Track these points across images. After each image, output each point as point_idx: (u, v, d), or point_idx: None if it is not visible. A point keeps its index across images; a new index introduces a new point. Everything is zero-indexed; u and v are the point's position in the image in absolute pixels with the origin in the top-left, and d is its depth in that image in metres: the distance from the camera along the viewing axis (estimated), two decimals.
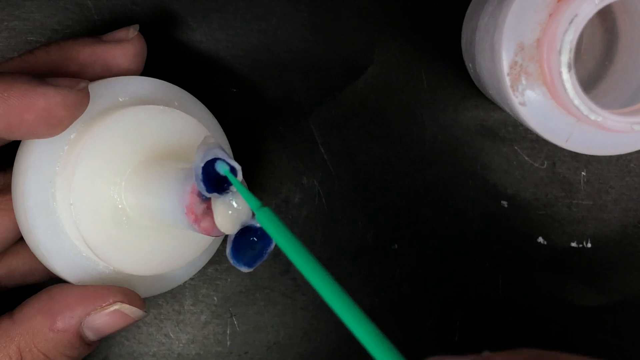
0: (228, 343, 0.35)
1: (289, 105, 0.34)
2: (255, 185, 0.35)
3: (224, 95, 0.34)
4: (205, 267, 0.34)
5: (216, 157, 0.24)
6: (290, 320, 0.35)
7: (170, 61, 0.34)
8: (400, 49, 0.34)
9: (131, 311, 0.28)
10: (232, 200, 0.25)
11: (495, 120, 0.35)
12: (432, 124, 0.35)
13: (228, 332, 0.35)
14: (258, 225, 0.25)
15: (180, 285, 0.35)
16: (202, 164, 0.24)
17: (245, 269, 0.25)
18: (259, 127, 0.34)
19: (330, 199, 0.35)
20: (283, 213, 0.35)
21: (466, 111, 0.35)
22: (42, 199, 0.28)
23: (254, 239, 0.25)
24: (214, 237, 0.30)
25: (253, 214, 0.25)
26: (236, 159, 0.33)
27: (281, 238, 0.22)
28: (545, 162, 0.35)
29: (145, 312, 0.29)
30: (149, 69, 0.31)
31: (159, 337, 0.35)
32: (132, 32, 0.30)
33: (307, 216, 0.35)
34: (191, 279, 0.34)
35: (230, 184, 0.24)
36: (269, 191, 0.35)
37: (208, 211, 0.25)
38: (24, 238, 0.29)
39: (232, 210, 0.25)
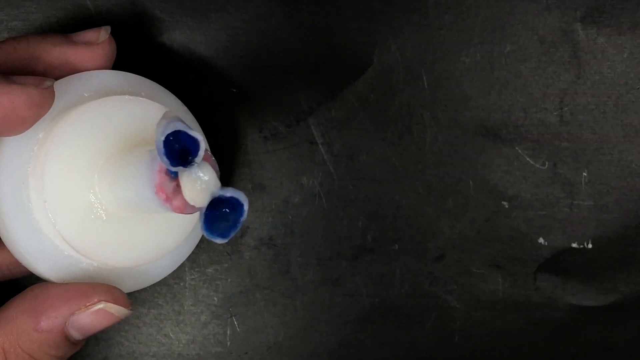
0: (228, 343, 0.35)
1: (289, 105, 0.34)
2: (255, 185, 0.35)
3: (224, 95, 0.34)
4: (205, 267, 0.34)
5: (176, 129, 0.23)
6: (290, 320, 0.35)
7: (169, 61, 0.34)
8: (400, 49, 0.34)
9: (116, 310, 0.28)
10: (198, 171, 0.24)
11: (496, 121, 0.35)
12: (432, 124, 0.34)
13: (228, 332, 0.35)
14: (228, 195, 0.25)
15: (180, 285, 0.35)
16: (162, 138, 0.23)
17: (220, 240, 0.25)
18: (259, 127, 0.34)
19: (330, 199, 0.35)
20: (283, 213, 0.35)
21: (466, 111, 0.35)
22: (16, 201, 0.28)
23: (226, 210, 0.25)
24: (195, 225, 0.29)
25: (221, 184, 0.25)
26: (236, 159, 0.34)
27: None
28: (546, 163, 0.35)
29: (131, 310, 0.28)
30: (148, 69, 0.31)
31: (159, 337, 0.35)
32: (102, 35, 0.30)
33: (307, 216, 0.35)
34: (191, 278, 0.34)
35: (195, 156, 0.24)
36: (269, 191, 0.35)
37: (178, 189, 0.25)
38: (3, 241, 0.29)
39: (200, 182, 0.24)
